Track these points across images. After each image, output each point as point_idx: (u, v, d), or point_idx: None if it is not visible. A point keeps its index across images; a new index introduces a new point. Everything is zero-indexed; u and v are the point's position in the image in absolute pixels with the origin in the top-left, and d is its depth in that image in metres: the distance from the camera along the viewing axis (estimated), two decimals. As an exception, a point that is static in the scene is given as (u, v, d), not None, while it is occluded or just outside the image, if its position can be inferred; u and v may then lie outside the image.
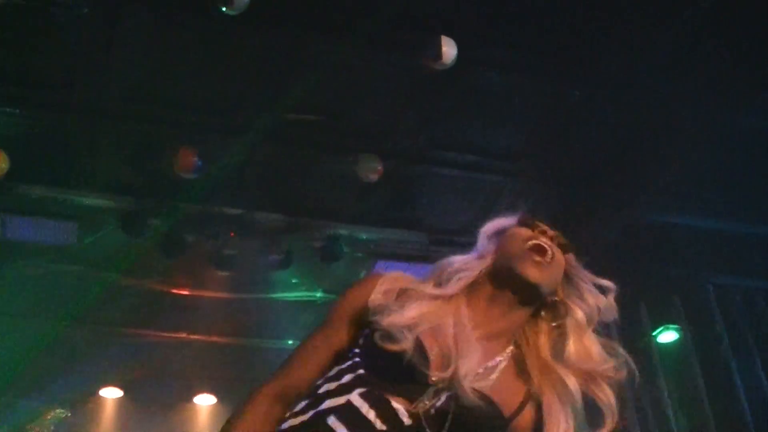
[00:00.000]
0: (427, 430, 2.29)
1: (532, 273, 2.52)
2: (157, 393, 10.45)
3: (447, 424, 2.30)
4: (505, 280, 2.56)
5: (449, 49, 6.30)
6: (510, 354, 2.54)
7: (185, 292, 8.99)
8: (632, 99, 7.00)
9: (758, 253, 8.61)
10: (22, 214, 7.66)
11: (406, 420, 2.28)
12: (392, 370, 2.34)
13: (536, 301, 2.59)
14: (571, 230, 7.99)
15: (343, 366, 2.43)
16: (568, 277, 2.65)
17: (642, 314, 9.01)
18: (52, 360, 9.45)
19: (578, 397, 2.49)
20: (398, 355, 2.33)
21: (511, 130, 7.45)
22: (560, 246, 2.63)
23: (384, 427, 2.26)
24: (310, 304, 9.02)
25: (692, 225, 8.31)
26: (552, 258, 2.56)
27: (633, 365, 2.59)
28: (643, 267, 8.55)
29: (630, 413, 9.01)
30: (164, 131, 7.12)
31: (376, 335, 2.38)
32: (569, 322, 2.59)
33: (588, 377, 2.53)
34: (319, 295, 9.05)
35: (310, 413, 2.33)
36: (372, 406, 2.29)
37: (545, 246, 2.57)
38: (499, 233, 2.69)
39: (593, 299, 2.65)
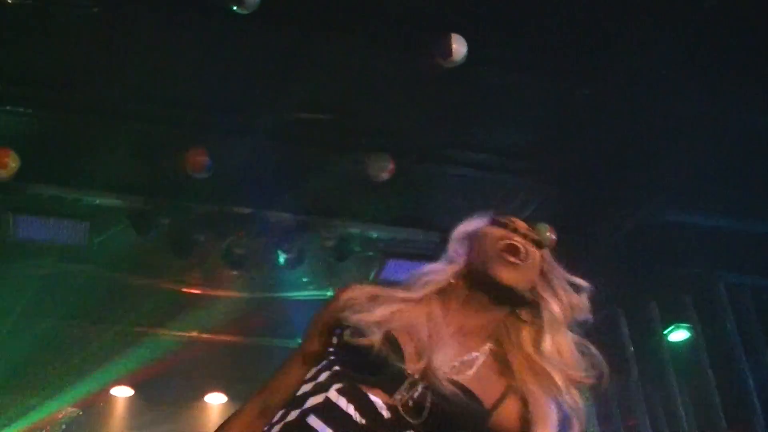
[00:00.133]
0: (407, 421, 2.28)
1: (505, 275, 2.51)
2: (167, 392, 10.48)
3: (425, 414, 2.29)
4: (479, 282, 2.55)
5: (459, 47, 6.29)
6: (488, 350, 2.52)
7: (196, 292, 9.01)
8: (643, 97, 6.98)
9: (770, 252, 8.59)
10: (33, 213, 7.69)
11: (385, 413, 2.27)
12: (367, 364, 2.33)
13: (512, 301, 2.57)
14: (582, 229, 8.00)
15: (320, 366, 2.42)
16: (543, 274, 2.62)
17: (653, 313, 9.00)
18: (63, 359, 9.49)
19: (564, 390, 2.47)
20: (371, 350, 2.32)
21: (523, 129, 7.44)
22: (534, 243, 2.61)
23: (364, 421, 2.25)
24: (320, 303, 9.02)
25: (703, 224, 8.29)
26: (526, 257, 2.54)
27: (605, 367, 2.54)
28: (654, 266, 8.54)
29: (640, 412, 9.00)
30: (175, 131, 7.13)
31: (347, 332, 2.38)
32: (545, 319, 2.57)
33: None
34: (329, 294, 9.03)
35: (293, 414, 2.31)
36: (350, 400, 2.27)
37: (518, 245, 2.55)
38: (471, 235, 2.66)
39: (567, 297, 2.62)
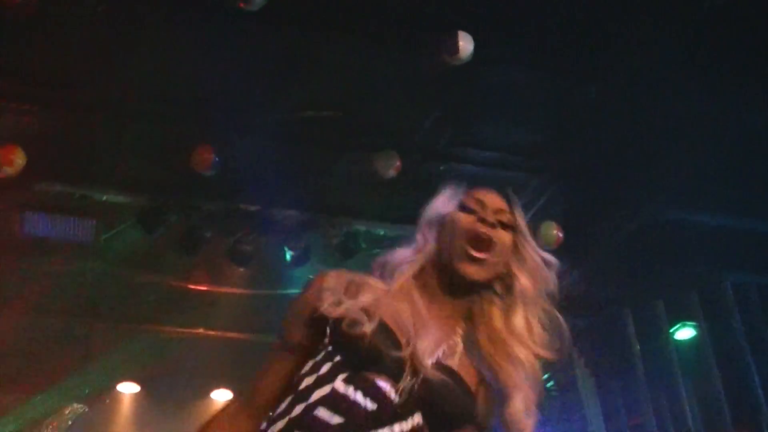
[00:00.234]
0: (414, 404, 2.32)
1: (470, 271, 2.52)
2: (174, 388, 10.48)
3: (428, 398, 2.33)
4: (447, 274, 2.56)
5: (466, 44, 6.30)
6: (463, 332, 2.56)
7: (203, 288, 9.02)
8: (648, 96, 6.98)
9: (776, 251, 8.59)
10: (40, 210, 7.69)
11: (394, 397, 2.30)
12: (366, 352, 2.34)
13: (481, 289, 2.60)
14: (588, 227, 7.99)
15: (318, 359, 2.41)
16: (515, 250, 2.63)
17: (660, 311, 9.02)
18: (69, 355, 9.50)
19: (528, 365, 2.53)
20: (367, 338, 2.34)
21: (528, 128, 7.44)
22: (505, 225, 2.61)
23: (374, 407, 2.27)
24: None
25: (710, 222, 8.28)
26: (492, 247, 2.54)
27: (570, 341, 2.59)
28: (660, 264, 8.54)
29: (646, 410, 9.01)
30: (182, 129, 7.14)
31: (343, 324, 2.37)
32: (516, 294, 2.60)
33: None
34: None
35: (298, 408, 2.32)
36: (357, 388, 2.29)
37: (483, 236, 2.54)
38: (440, 222, 2.66)
39: (538, 272, 2.63)
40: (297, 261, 8.28)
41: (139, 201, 7.67)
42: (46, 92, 6.79)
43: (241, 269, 8.41)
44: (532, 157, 7.71)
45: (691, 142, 7.25)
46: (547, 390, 10.94)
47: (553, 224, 7.90)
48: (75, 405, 10.31)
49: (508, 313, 2.59)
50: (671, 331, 9.05)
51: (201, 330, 9.66)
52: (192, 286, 8.97)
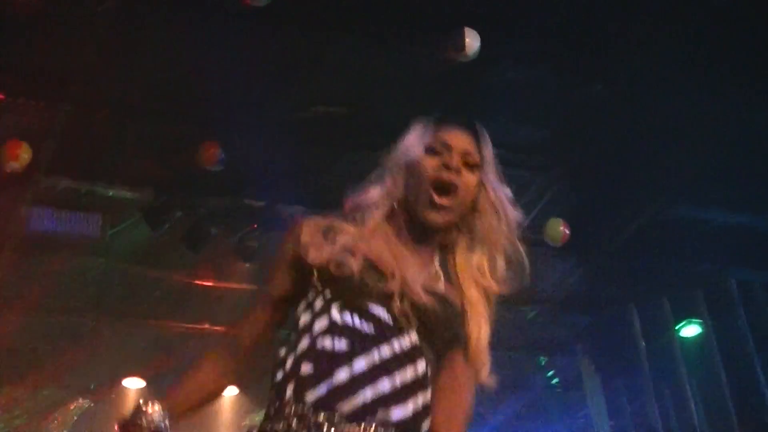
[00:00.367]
0: (408, 326, 2.41)
1: (434, 218, 2.58)
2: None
3: (425, 321, 2.43)
4: (413, 218, 2.62)
5: (472, 41, 6.29)
6: (439, 261, 2.64)
7: (208, 284, 9.03)
8: (656, 93, 6.97)
9: (782, 248, 8.59)
10: (47, 206, 7.70)
11: (389, 320, 2.40)
12: (357, 288, 2.43)
13: (447, 230, 2.66)
14: (594, 225, 7.99)
15: (310, 298, 2.50)
16: (482, 188, 2.68)
17: (665, 309, 9.02)
18: (75, 351, 9.51)
19: (491, 302, 2.63)
20: (356, 276, 2.43)
21: (535, 125, 7.43)
22: (470, 166, 2.65)
23: (372, 330, 2.37)
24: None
25: (715, 219, 8.28)
26: (456, 191, 2.59)
27: (528, 277, 2.67)
28: (665, 262, 8.55)
29: (651, 407, 9.02)
30: (188, 124, 7.15)
31: (330, 266, 2.45)
32: (479, 231, 2.67)
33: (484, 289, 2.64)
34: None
35: (305, 341, 2.40)
36: (353, 314, 2.39)
37: (447, 182, 2.59)
38: (407, 164, 2.70)
39: (502, 208, 2.69)
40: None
41: (144, 197, 7.68)
42: (52, 88, 6.79)
43: (247, 265, 8.41)
44: (536, 155, 7.70)
45: (695, 140, 7.25)
46: (552, 387, 10.96)
47: (560, 221, 7.89)
48: (80, 400, 10.34)
49: (472, 249, 2.67)
50: (676, 328, 9.06)
51: (206, 325, 9.66)
52: (197, 282, 8.99)
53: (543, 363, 11.04)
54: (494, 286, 2.64)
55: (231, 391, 10.61)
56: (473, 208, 2.66)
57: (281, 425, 2.34)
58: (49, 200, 7.64)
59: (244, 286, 9.02)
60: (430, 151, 2.66)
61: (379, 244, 2.56)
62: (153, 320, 9.52)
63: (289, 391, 2.36)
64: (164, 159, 7.37)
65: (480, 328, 2.58)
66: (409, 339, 2.40)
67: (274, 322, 2.67)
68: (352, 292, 2.43)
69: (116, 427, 2.47)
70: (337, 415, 2.28)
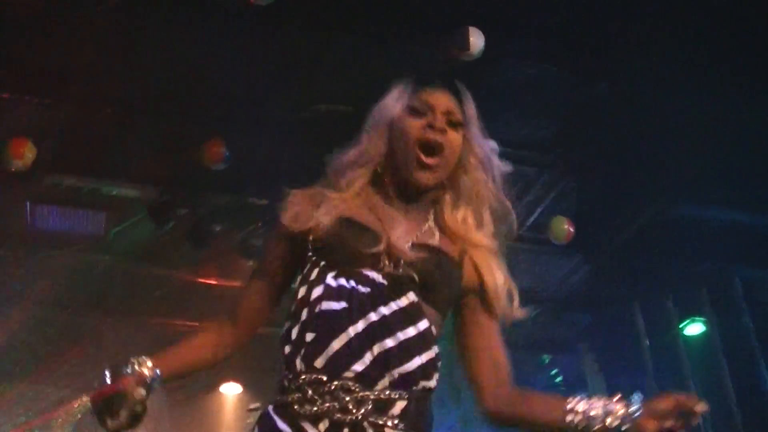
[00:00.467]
0: (404, 284, 2.45)
1: (422, 178, 2.61)
2: (183, 381, 10.44)
3: (421, 278, 2.47)
4: (401, 181, 2.65)
5: (476, 40, 6.28)
6: (433, 217, 2.70)
7: (212, 282, 9.02)
8: (663, 91, 6.96)
9: (787, 247, 8.57)
10: (51, 203, 7.71)
11: (383, 280, 2.44)
12: (347, 252, 2.48)
13: (436, 190, 2.69)
14: (598, 222, 7.97)
15: (305, 271, 2.55)
16: (465, 143, 2.70)
17: (668, 307, 9.00)
18: (78, 348, 9.51)
19: (494, 246, 2.69)
20: (345, 240, 2.49)
21: (540, 122, 7.42)
22: (454, 125, 2.67)
23: (368, 290, 2.41)
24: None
25: (720, 218, 8.27)
26: (442, 149, 2.62)
27: (515, 230, 2.75)
28: (670, 260, 8.54)
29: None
30: (192, 122, 7.14)
31: (320, 233, 2.52)
32: (465, 188, 2.71)
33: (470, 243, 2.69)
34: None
35: (305, 312, 2.44)
36: (348, 278, 2.43)
37: (432, 142, 2.61)
38: (390, 126, 2.72)
39: (487, 163, 2.73)
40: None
41: (148, 194, 7.68)
42: (56, 86, 6.79)
43: (250, 263, 8.39)
44: (541, 152, 7.69)
45: (699, 138, 7.23)
46: (555, 385, 10.95)
47: (564, 219, 7.89)
48: (84, 398, 10.32)
49: (457, 206, 2.70)
50: (680, 327, 9.04)
51: (209, 323, 9.65)
52: (201, 280, 8.98)
53: (546, 362, 11.03)
54: (484, 240, 2.67)
55: (234, 388, 10.63)
56: (459, 165, 2.69)
57: (296, 396, 2.36)
58: (53, 198, 7.65)
59: (248, 284, 9.01)
60: (414, 111, 2.68)
61: (365, 208, 2.60)
62: (156, 318, 9.50)
63: (299, 360, 2.39)
64: (168, 157, 7.36)
65: (491, 274, 2.62)
66: (406, 299, 2.43)
67: (271, 295, 2.73)
68: (344, 259, 2.47)
69: (107, 374, 2.54)
70: (349, 379, 2.31)
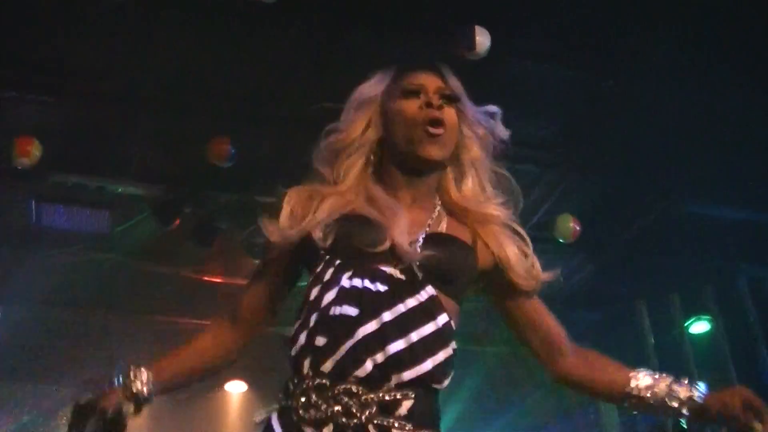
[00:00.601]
0: (424, 279, 2.42)
1: (433, 152, 2.60)
2: (187, 381, 10.47)
3: (437, 270, 2.45)
4: (407, 162, 2.64)
5: (482, 39, 6.27)
6: (440, 203, 2.69)
7: (217, 280, 9.02)
8: (668, 89, 6.95)
9: (794, 245, 8.56)
10: (56, 201, 7.71)
11: (400, 275, 2.42)
12: (357, 250, 2.45)
13: (444, 166, 2.69)
14: (604, 220, 7.95)
15: (318, 270, 2.50)
16: (461, 117, 2.71)
17: (674, 304, 8.99)
18: (83, 347, 9.52)
19: (505, 216, 2.68)
20: (352, 237, 2.47)
21: (546, 120, 7.42)
22: (448, 100, 2.68)
23: (386, 287, 2.38)
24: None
25: (727, 216, 8.25)
26: (445, 123, 2.62)
27: (519, 194, 2.75)
28: (675, 257, 8.52)
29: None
30: (198, 120, 7.13)
31: (323, 232, 2.49)
32: (466, 162, 2.71)
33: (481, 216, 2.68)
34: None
35: (313, 318, 2.40)
36: (364, 277, 2.39)
37: (437, 119, 2.60)
38: (378, 107, 2.73)
39: (484, 131, 2.74)
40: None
41: (154, 192, 7.68)
42: (61, 83, 6.79)
43: (256, 261, 8.37)
44: (546, 150, 7.68)
45: (705, 136, 7.22)
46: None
47: (570, 217, 7.88)
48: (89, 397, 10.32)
49: (462, 181, 2.71)
50: (686, 324, 9.03)
51: (215, 322, 9.65)
52: (206, 278, 8.98)
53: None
54: (493, 211, 2.67)
55: (240, 388, 10.63)
56: (458, 142, 2.69)
57: (302, 400, 2.34)
58: (58, 196, 7.65)
59: (254, 282, 9.01)
60: (407, 94, 2.67)
61: (364, 200, 2.59)
62: (161, 316, 9.51)
63: (306, 364, 2.37)
64: (173, 155, 7.37)
65: (502, 249, 2.61)
66: (426, 293, 2.40)
67: (272, 295, 2.74)
68: (358, 257, 2.43)
69: (103, 392, 2.68)
70: (353, 382, 2.28)
